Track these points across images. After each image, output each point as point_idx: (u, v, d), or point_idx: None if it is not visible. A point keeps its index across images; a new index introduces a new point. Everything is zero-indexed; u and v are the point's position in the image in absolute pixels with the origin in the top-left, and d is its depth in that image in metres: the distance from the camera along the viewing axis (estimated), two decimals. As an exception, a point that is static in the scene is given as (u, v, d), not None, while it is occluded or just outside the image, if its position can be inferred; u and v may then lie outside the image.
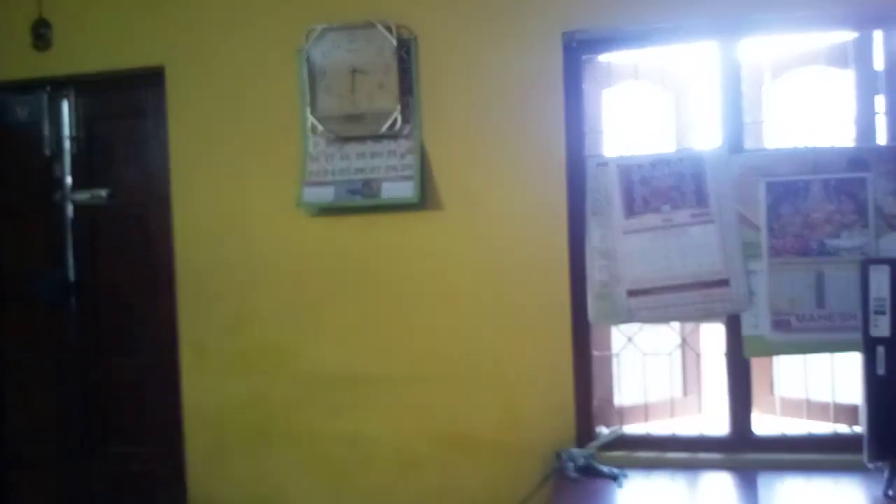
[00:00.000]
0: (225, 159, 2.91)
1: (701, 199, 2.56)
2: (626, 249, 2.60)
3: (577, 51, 2.67)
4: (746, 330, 2.54)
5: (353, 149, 2.78)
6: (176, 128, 2.95)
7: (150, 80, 2.97)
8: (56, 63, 3.04)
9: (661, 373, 2.78)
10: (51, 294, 3.13)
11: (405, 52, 2.73)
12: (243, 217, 2.90)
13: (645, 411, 2.78)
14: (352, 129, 2.76)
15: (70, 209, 3.12)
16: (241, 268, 2.91)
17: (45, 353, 3.17)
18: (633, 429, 2.73)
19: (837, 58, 2.61)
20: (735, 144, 2.59)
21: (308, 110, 2.78)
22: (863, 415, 2.18)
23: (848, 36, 2.58)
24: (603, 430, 2.70)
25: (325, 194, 2.78)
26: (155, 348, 3.05)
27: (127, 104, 3.07)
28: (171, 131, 2.96)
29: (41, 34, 3.04)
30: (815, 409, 2.67)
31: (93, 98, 3.10)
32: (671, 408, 2.80)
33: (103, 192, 3.08)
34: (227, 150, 2.91)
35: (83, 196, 3.10)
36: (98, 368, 3.13)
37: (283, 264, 2.87)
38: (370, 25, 2.73)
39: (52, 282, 3.12)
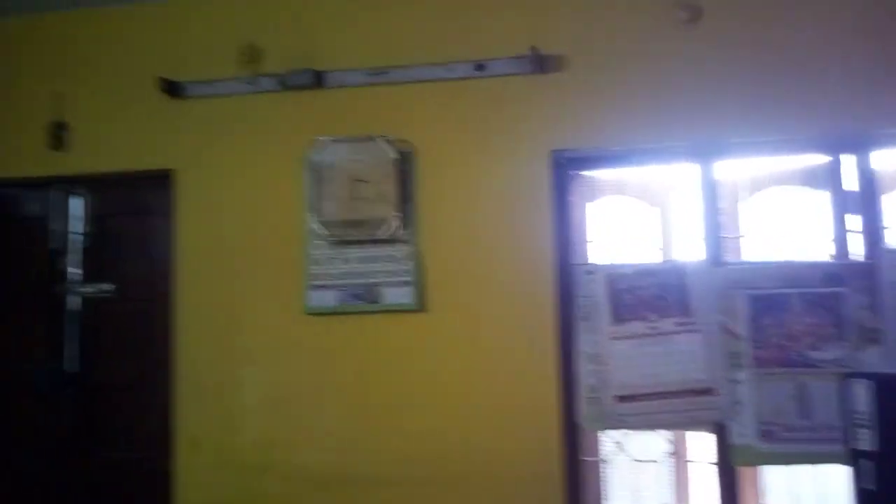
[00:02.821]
0: (229, 258, 3.00)
1: (685, 308, 2.66)
2: (614, 355, 2.67)
3: (565, 167, 2.84)
4: (734, 439, 2.58)
5: (353, 252, 2.89)
6: (183, 227, 3.06)
7: (160, 182, 3.10)
8: (70, 163, 3.17)
9: (650, 479, 2.80)
10: (46, 386, 3.13)
11: (404, 163, 2.89)
12: (244, 314, 2.96)
13: (634, 519, 2.79)
14: (353, 233, 2.88)
15: (73, 303, 3.16)
16: (239, 364, 2.95)
17: (37, 445, 3.14)
18: (622, 537, 2.73)
19: (812, 178, 2.78)
20: (716, 257, 2.71)
21: (311, 215, 2.91)
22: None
23: (821, 158, 2.75)
24: (592, 538, 2.70)
25: (329, 299, 2.88)
26: (149, 442, 3.03)
27: (136, 203, 3.19)
28: (179, 230, 3.06)
29: (58, 135, 3.18)
30: (803, 520, 2.69)
31: (103, 196, 3.21)
32: (660, 516, 2.81)
33: (107, 287, 3.14)
34: (231, 250, 3.00)
35: (87, 290, 3.16)
36: (88, 462, 3.10)
37: (280, 362, 2.91)
38: (372, 138, 2.90)
39: (48, 374, 3.13)
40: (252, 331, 2.95)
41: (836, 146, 2.70)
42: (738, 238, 2.88)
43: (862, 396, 2.19)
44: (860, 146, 2.67)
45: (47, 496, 3.13)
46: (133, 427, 3.10)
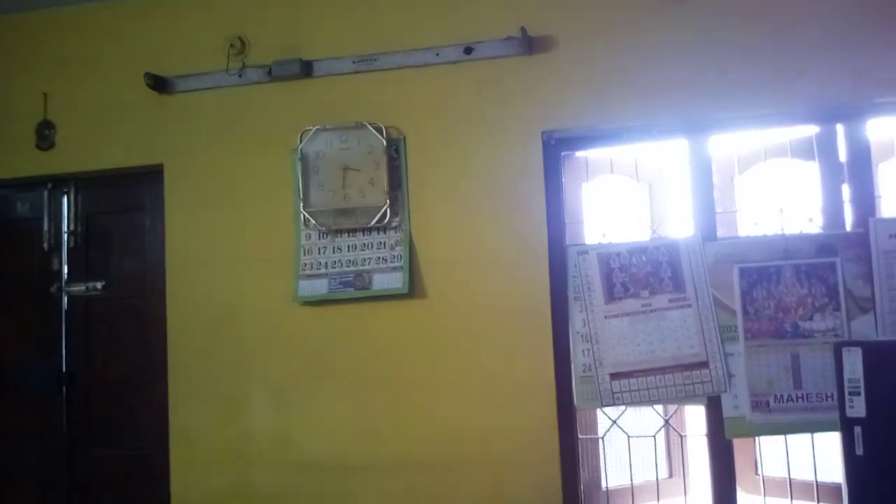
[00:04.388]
0: (220, 251, 3.00)
1: (678, 284, 2.67)
2: (608, 333, 2.69)
3: (556, 148, 2.84)
4: (727, 411, 2.61)
5: (344, 241, 2.89)
6: (173, 222, 3.06)
7: (149, 178, 3.10)
8: (58, 162, 3.18)
9: (646, 455, 2.82)
10: (41, 385, 3.15)
11: (394, 151, 2.88)
12: (236, 307, 2.97)
13: (631, 494, 2.80)
14: (343, 222, 2.89)
15: (66, 301, 3.18)
16: (232, 357, 2.95)
17: (33, 443, 3.17)
18: (620, 512, 2.75)
19: (803, 150, 2.77)
20: (708, 233, 2.72)
21: (301, 205, 2.91)
22: (844, 494, 2.22)
23: (811, 130, 2.74)
24: (591, 515, 2.72)
25: (319, 287, 2.87)
26: (145, 438, 3.06)
27: (126, 200, 3.20)
28: (168, 226, 3.06)
29: (45, 135, 3.19)
30: (800, 489, 2.70)
31: (93, 194, 3.22)
32: (657, 490, 2.82)
33: (99, 284, 3.15)
34: (222, 243, 3.00)
35: (78, 288, 3.17)
36: (85, 459, 3.12)
37: (273, 353, 2.92)
38: (361, 126, 2.90)
39: (43, 373, 3.15)
40: (242, 321, 2.96)
41: (828, 116, 2.68)
42: (731, 213, 2.87)
43: (854, 364, 2.21)
44: (853, 116, 2.66)
45: (43, 494, 3.15)
46: (128, 423, 3.11)
